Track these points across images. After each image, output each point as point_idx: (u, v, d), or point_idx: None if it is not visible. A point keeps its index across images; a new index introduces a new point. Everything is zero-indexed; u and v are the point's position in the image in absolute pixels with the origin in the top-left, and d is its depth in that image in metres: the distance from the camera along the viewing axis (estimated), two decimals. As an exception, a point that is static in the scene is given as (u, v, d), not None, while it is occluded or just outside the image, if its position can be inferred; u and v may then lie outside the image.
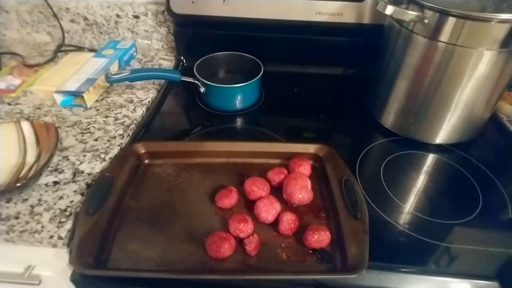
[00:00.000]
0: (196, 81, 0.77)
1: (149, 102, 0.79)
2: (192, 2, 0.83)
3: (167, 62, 0.95)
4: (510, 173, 0.67)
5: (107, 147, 0.65)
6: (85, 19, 0.96)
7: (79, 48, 0.97)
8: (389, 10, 0.59)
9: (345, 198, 0.54)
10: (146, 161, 0.63)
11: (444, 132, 0.69)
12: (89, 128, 0.69)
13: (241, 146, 0.64)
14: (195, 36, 0.90)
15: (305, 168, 0.60)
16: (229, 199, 0.55)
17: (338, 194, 0.55)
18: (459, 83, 0.62)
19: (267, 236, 0.51)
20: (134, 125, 0.72)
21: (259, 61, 0.80)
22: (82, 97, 0.72)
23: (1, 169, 0.58)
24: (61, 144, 0.65)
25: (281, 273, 0.47)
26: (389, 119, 0.74)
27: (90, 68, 0.80)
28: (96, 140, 0.66)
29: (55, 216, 0.52)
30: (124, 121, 0.71)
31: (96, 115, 0.73)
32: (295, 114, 0.81)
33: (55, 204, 0.54)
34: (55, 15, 0.95)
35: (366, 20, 0.82)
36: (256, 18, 0.84)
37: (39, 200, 0.54)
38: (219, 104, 0.79)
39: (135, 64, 0.93)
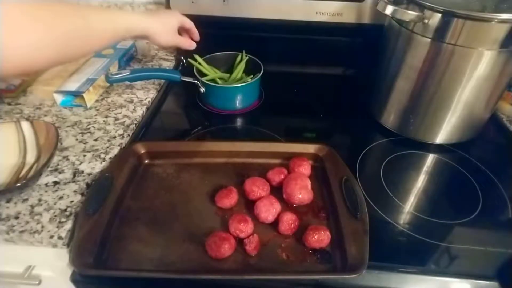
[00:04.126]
0: (196, 81, 0.77)
1: (149, 102, 0.79)
2: (192, 2, 0.83)
3: (167, 62, 0.95)
4: (510, 173, 0.67)
5: (107, 147, 0.65)
6: (85, 19, 0.96)
7: (79, 48, 0.97)
8: (389, 10, 0.59)
9: (345, 198, 0.54)
10: (146, 161, 0.63)
11: (444, 132, 0.69)
12: (89, 128, 0.69)
13: (241, 146, 0.64)
14: (195, 36, 0.90)
15: (305, 168, 0.60)
16: (229, 199, 0.55)
17: (338, 194, 0.55)
18: (459, 83, 0.62)
19: (267, 236, 0.51)
20: (134, 125, 0.72)
21: (259, 61, 0.80)
22: (82, 97, 0.72)
23: (1, 169, 0.58)
24: (61, 144, 0.65)
25: (281, 273, 0.47)
26: (389, 119, 0.74)
27: (90, 68, 0.80)
28: (96, 140, 0.66)
29: (55, 216, 0.52)
30: (124, 121, 0.71)
31: (96, 115, 0.73)
32: (295, 114, 0.81)
33: (55, 204, 0.54)
34: (55, 15, 0.95)
35: (366, 20, 0.82)
36: (256, 18, 0.84)
37: (39, 200, 0.54)
38: (219, 104, 0.79)
39: (135, 64, 0.93)
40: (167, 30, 0.65)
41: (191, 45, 0.73)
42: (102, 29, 0.53)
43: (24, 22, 0.42)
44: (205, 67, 0.79)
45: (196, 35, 0.74)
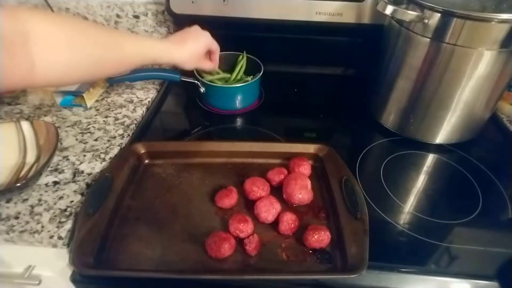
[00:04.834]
0: (196, 81, 0.77)
1: (149, 102, 0.79)
2: (192, 2, 0.83)
3: (167, 62, 0.95)
4: (510, 173, 0.67)
5: (107, 147, 0.65)
6: (85, 19, 0.96)
7: (79, 48, 0.97)
8: (389, 10, 0.59)
9: (345, 198, 0.54)
10: (146, 161, 0.63)
11: (444, 132, 0.69)
12: (89, 128, 0.69)
13: (241, 146, 0.64)
14: (195, 36, 0.90)
15: (305, 168, 0.60)
16: (229, 199, 0.55)
17: (338, 194, 0.55)
18: (459, 83, 0.62)
19: (267, 236, 0.51)
20: (134, 125, 0.72)
21: (259, 61, 0.80)
22: (82, 97, 0.72)
23: (1, 169, 0.58)
24: (61, 144, 0.65)
25: (281, 273, 0.47)
26: (389, 119, 0.74)
27: (90, 68, 0.80)
28: (96, 140, 0.66)
29: (55, 216, 0.52)
30: (124, 121, 0.71)
31: (96, 115, 0.73)
32: (295, 114, 0.81)
33: (55, 204, 0.54)
34: (55, 15, 0.95)
35: (366, 20, 0.82)
36: (256, 18, 0.84)
37: (39, 200, 0.54)
38: (219, 104, 0.79)
39: (135, 64, 0.93)
40: (193, 58, 0.66)
41: (213, 68, 0.73)
42: (132, 56, 0.54)
43: (61, 41, 0.44)
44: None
45: (216, 60, 0.73)
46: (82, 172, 0.59)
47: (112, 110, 0.74)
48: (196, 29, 0.66)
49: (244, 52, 0.83)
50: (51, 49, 0.43)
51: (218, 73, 0.81)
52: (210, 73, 0.80)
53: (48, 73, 0.44)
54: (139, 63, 0.56)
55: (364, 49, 0.83)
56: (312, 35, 0.88)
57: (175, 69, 0.91)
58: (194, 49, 0.65)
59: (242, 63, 0.82)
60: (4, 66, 0.39)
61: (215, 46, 0.70)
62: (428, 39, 0.60)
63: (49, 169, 0.59)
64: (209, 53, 0.71)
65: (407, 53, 0.64)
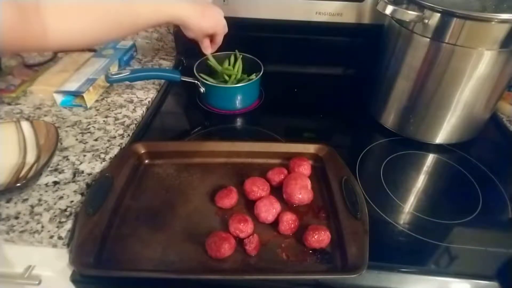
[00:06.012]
0: (196, 81, 0.77)
1: (149, 102, 0.79)
2: (192, 2, 0.83)
3: (167, 62, 0.95)
4: (510, 173, 0.67)
5: (107, 147, 0.65)
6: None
7: (79, 48, 0.97)
8: (389, 10, 0.59)
9: (345, 198, 0.54)
10: (146, 161, 0.63)
11: (444, 132, 0.69)
12: (89, 128, 0.69)
13: (241, 146, 0.64)
14: (195, 36, 0.90)
15: (305, 168, 0.60)
16: (229, 199, 0.55)
17: (338, 194, 0.55)
18: (459, 83, 0.62)
19: (267, 236, 0.51)
20: (134, 125, 0.72)
21: (259, 61, 0.80)
22: (82, 97, 0.72)
23: (1, 169, 0.58)
24: (61, 144, 0.65)
25: (281, 273, 0.47)
26: (389, 119, 0.74)
27: (90, 68, 0.80)
28: (96, 140, 0.66)
29: (55, 216, 0.52)
30: (124, 121, 0.71)
31: (96, 115, 0.73)
32: (295, 114, 0.81)
33: (55, 204, 0.54)
34: (55, 15, 0.95)
35: (366, 20, 0.82)
36: (256, 18, 0.84)
37: (39, 200, 0.54)
38: (219, 104, 0.79)
39: (135, 64, 0.93)
40: (204, 30, 0.63)
41: (208, 50, 0.70)
42: (147, 17, 0.54)
43: (72, 6, 0.45)
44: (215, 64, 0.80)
45: (218, 43, 0.70)
46: (82, 172, 0.59)
47: (112, 110, 0.74)
48: (214, 6, 0.64)
49: (237, 51, 0.82)
50: (62, 15, 0.44)
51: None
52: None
53: (61, 37, 0.45)
54: (153, 24, 0.56)
55: (364, 49, 0.83)
56: (312, 35, 0.88)
57: (176, 69, 0.91)
58: (210, 22, 0.63)
59: (238, 62, 0.82)
60: (18, 30, 0.40)
61: (222, 30, 0.66)
62: (428, 39, 0.60)
63: (49, 169, 0.59)
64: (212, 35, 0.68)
65: (407, 53, 0.64)
